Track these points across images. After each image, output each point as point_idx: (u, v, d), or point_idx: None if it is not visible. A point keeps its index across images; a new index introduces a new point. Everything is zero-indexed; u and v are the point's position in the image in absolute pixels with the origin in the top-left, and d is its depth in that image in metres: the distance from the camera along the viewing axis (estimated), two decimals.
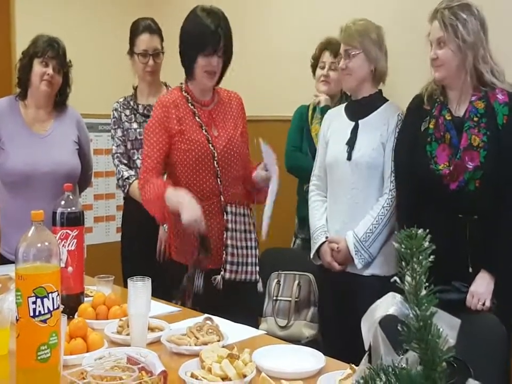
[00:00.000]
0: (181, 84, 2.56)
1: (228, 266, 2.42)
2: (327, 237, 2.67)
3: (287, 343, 1.90)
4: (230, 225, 2.45)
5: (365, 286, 2.55)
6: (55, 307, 1.46)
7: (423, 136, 2.36)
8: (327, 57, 3.11)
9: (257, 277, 2.51)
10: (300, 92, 3.51)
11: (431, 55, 2.33)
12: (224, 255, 2.42)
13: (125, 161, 3.18)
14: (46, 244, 1.46)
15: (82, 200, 4.40)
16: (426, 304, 0.69)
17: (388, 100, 2.70)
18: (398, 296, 0.77)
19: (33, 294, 1.42)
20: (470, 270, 2.28)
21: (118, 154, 3.19)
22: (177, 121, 2.46)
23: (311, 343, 2.89)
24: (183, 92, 2.53)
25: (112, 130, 3.24)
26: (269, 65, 3.90)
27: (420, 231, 0.71)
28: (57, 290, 1.46)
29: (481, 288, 2.22)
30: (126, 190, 3.16)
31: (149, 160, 2.44)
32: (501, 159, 2.23)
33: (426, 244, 0.71)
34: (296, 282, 3.04)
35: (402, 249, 0.69)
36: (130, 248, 3.26)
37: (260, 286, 2.53)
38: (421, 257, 0.69)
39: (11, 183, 2.84)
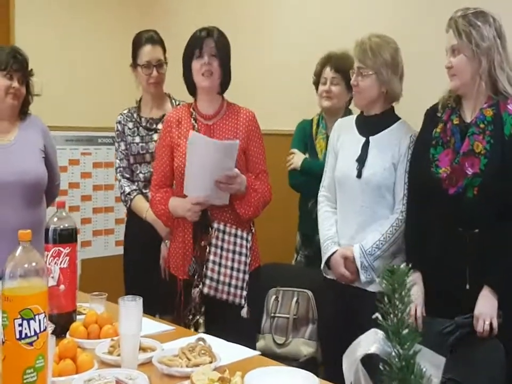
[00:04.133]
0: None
1: (208, 281, 2.46)
2: (339, 245, 2.62)
3: (282, 364, 1.86)
4: (214, 241, 2.49)
5: (369, 303, 2.49)
6: (42, 329, 1.43)
7: (430, 140, 2.33)
8: (327, 72, 3.08)
9: (243, 301, 2.49)
10: (301, 106, 3.50)
11: (446, 64, 2.29)
12: (204, 269, 2.46)
13: (127, 176, 3.17)
14: (33, 264, 1.44)
15: (81, 214, 4.41)
16: (408, 343, 0.66)
17: (399, 118, 2.65)
18: (380, 333, 0.73)
19: (19, 316, 1.40)
20: (468, 286, 2.24)
21: (121, 169, 3.18)
22: (177, 137, 2.58)
23: (309, 361, 2.86)
24: (191, 108, 2.64)
25: (115, 144, 3.22)
26: (269, 79, 3.89)
27: (402, 265, 0.68)
28: (44, 312, 1.43)
29: (485, 309, 2.18)
30: (128, 205, 3.16)
31: (155, 176, 2.69)
32: (504, 170, 2.19)
33: (408, 280, 0.68)
34: (295, 299, 3.00)
35: (384, 285, 0.66)
36: (133, 262, 3.24)
37: (244, 311, 2.50)
38: (403, 293, 0.66)
39: None
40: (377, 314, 0.69)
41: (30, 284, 1.42)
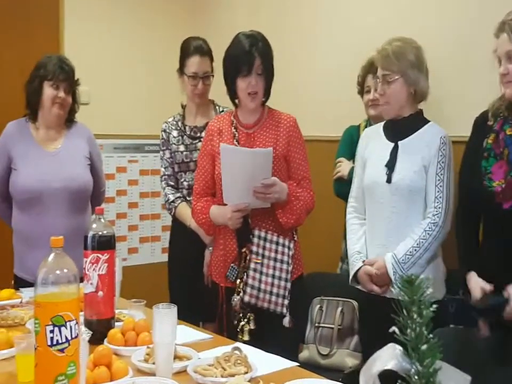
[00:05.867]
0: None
1: (248, 289, 2.43)
2: (363, 261, 2.56)
3: (321, 377, 1.80)
4: (254, 249, 2.46)
5: None
6: (74, 336, 1.43)
7: (481, 152, 2.23)
8: (370, 80, 3.01)
9: (284, 310, 2.45)
10: (348, 112, 3.43)
11: (501, 71, 2.13)
12: (245, 277, 2.44)
13: (172, 183, 3.18)
14: (65, 270, 1.44)
15: (127, 221, 4.44)
16: (428, 359, 0.61)
17: (429, 121, 2.59)
18: (398, 348, 0.68)
19: (50, 323, 1.40)
20: None
21: (166, 177, 3.19)
22: (218, 146, 2.55)
23: (354, 373, 2.78)
24: (232, 117, 2.63)
25: (160, 152, 3.24)
26: (315, 84, 3.83)
27: (421, 276, 0.63)
28: (75, 319, 1.43)
29: None
30: (172, 213, 3.17)
31: (196, 185, 2.69)
32: None
33: (427, 292, 0.62)
34: (340, 309, 2.94)
35: (400, 297, 0.61)
36: (178, 269, 3.24)
37: (286, 321, 2.47)
38: (422, 306, 0.61)
39: (24, 201, 2.85)
40: (394, 328, 0.64)
41: (62, 290, 1.42)
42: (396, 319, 0.65)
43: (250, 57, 2.47)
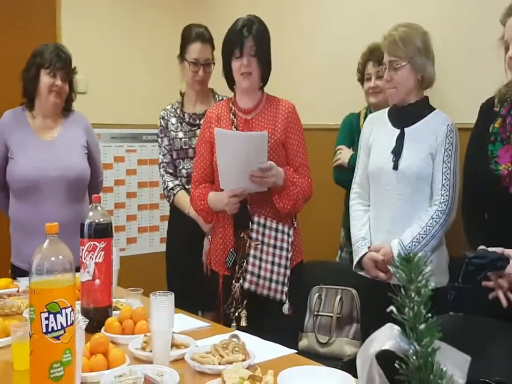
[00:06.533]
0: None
1: (248, 276, 2.42)
2: (369, 247, 2.55)
3: (319, 364, 1.79)
4: (254, 235, 2.45)
5: None
6: (69, 323, 1.41)
7: (487, 137, 2.22)
8: (371, 68, 2.99)
9: (284, 297, 2.44)
10: (347, 99, 3.41)
11: (510, 54, 2.08)
12: (244, 264, 2.43)
13: (171, 171, 3.15)
14: (60, 257, 1.42)
15: (126, 211, 4.43)
16: (426, 339, 0.59)
17: (434, 108, 2.57)
18: (396, 328, 0.67)
19: (45, 310, 1.38)
20: None
21: (164, 164, 3.17)
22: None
23: (353, 361, 2.77)
24: (230, 103, 2.62)
25: (159, 139, 3.21)
26: (315, 71, 3.80)
27: (419, 254, 0.61)
28: (71, 306, 1.41)
29: None
30: (170, 200, 3.15)
31: (195, 173, 2.67)
32: None
33: (426, 269, 0.61)
34: (338, 297, 2.93)
35: (398, 275, 0.60)
36: (176, 258, 3.22)
37: (285, 308, 2.46)
38: (419, 284, 0.59)
39: (20, 189, 2.85)
40: (392, 308, 0.63)
41: (57, 277, 1.40)
42: (394, 299, 0.63)
43: (242, 37, 2.47)
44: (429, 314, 0.61)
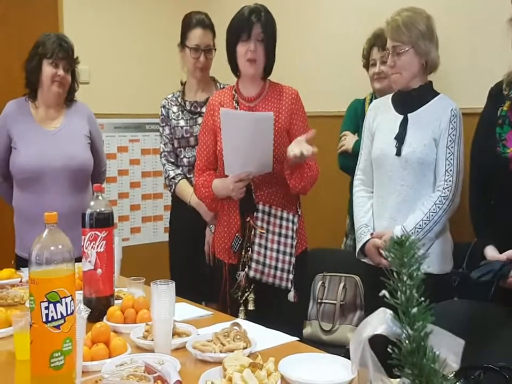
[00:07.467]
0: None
1: (254, 264, 2.41)
2: (371, 234, 2.54)
3: (321, 351, 1.79)
4: (259, 223, 2.44)
5: None
6: (69, 312, 1.41)
7: (496, 120, 2.20)
8: (376, 53, 2.97)
9: (289, 285, 2.43)
10: (353, 86, 3.39)
11: None
12: (249, 252, 2.42)
13: (172, 160, 3.14)
14: (60, 246, 1.41)
15: (130, 200, 4.43)
16: (419, 323, 0.59)
17: (438, 93, 2.55)
18: (389, 313, 0.66)
19: (45, 299, 1.38)
20: None
21: (165, 153, 3.16)
22: (220, 121, 2.49)
23: None
24: (233, 91, 2.59)
25: (160, 128, 3.20)
26: (319, 57, 3.78)
27: (412, 237, 0.60)
28: (71, 295, 1.41)
29: None
30: (172, 190, 3.13)
31: (198, 161, 2.66)
32: None
33: (419, 253, 0.60)
34: (342, 284, 2.93)
35: (390, 259, 0.59)
36: (179, 249, 3.22)
37: (290, 295, 2.46)
38: (412, 268, 0.58)
39: (24, 180, 2.85)
40: (384, 292, 0.62)
41: (57, 266, 1.40)
42: (386, 283, 0.63)
43: (250, 23, 2.45)
44: (422, 298, 0.60)
